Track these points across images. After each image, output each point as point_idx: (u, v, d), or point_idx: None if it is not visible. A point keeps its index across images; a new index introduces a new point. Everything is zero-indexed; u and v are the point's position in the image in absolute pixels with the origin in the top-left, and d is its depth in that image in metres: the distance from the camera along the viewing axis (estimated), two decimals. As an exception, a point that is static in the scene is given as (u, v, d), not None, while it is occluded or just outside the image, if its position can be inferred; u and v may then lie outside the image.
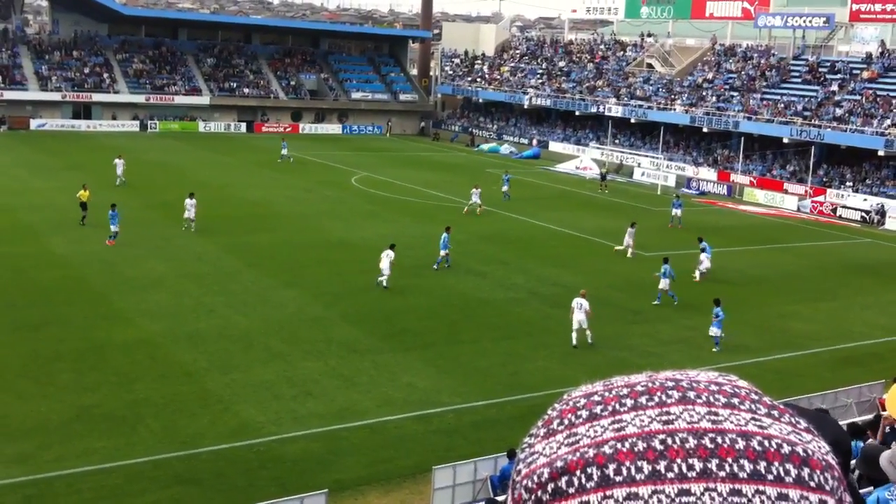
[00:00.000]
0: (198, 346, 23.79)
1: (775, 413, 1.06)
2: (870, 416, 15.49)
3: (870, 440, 11.61)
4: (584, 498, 1.00)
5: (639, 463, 1.00)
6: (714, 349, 25.82)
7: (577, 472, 1.02)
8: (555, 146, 77.81)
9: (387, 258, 30.06)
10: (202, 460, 17.84)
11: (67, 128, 75.94)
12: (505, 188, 50.42)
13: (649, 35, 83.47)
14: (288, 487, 16.62)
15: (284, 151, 61.99)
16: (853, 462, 8.49)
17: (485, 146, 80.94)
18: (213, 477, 17.29)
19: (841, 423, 17.52)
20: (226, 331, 25.18)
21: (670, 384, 1.08)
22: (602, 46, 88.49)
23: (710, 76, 74.13)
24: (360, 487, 17.22)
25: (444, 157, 73.44)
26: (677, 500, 0.97)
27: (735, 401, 1.06)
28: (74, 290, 28.34)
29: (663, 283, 29.89)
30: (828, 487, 1.01)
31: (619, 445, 1.02)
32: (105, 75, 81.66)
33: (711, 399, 1.06)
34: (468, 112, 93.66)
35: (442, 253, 33.48)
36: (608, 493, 0.99)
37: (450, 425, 20.11)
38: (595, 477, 1.00)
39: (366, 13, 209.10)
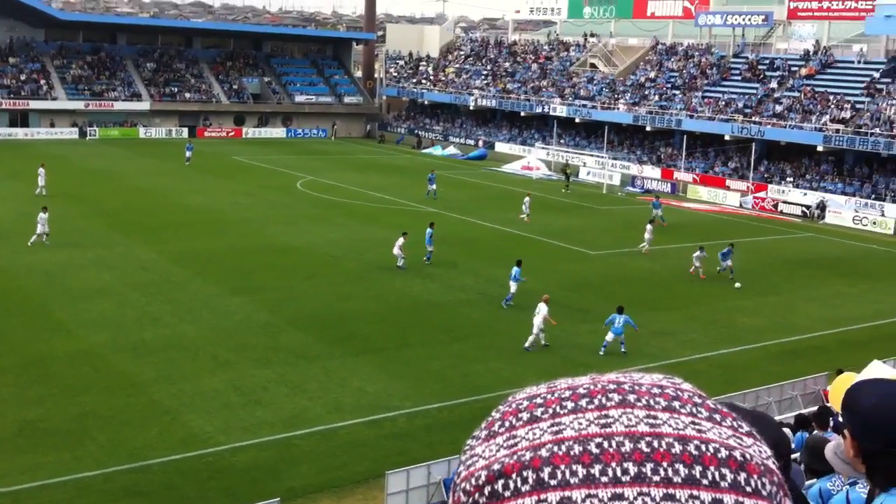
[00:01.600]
0: (143, 357, 23.36)
1: (717, 417, 1.05)
2: (815, 408, 15.74)
3: (815, 432, 11.78)
4: (519, 501, 1.00)
5: (573, 467, 0.99)
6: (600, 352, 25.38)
7: (513, 476, 1.01)
8: (501, 147, 78.10)
9: (397, 246, 33.45)
10: (151, 472, 17.52)
11: (4, 136, 74.13)
12: (432, 187, 50.58)
13: (592, 35, 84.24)
14: (239, 497, 16.42)
15: (189, 153, 61.82)
16: (798, 454, 8.60)
17: (438, 150, 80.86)
18: (162, 489, 17.00)
19: (787, 414, 17.82)
20: (172, 340, 24.76)
21: (612, 387, 1.07)
22: (546, 47, 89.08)
23: (652, 75, 75.04)
24: (313, 495, 17.06)
25: (390, 159, 73.27)
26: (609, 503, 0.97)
27: (676, 404, 1.05)
28: (13, 301, 27.64)
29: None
30: (765, 493, 1.00)
31: (555, 449, 1.01)
32: (42, 82, 79.95)
33: (652, 402, 1.05)
34: (414, 114, 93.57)
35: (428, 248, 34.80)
36: (542, 496, 0.99)
37: (402, 429, 20.01)
38: (530, 480, 1.00)
39: (308, 15, 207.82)
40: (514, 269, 29.53)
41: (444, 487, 16.12)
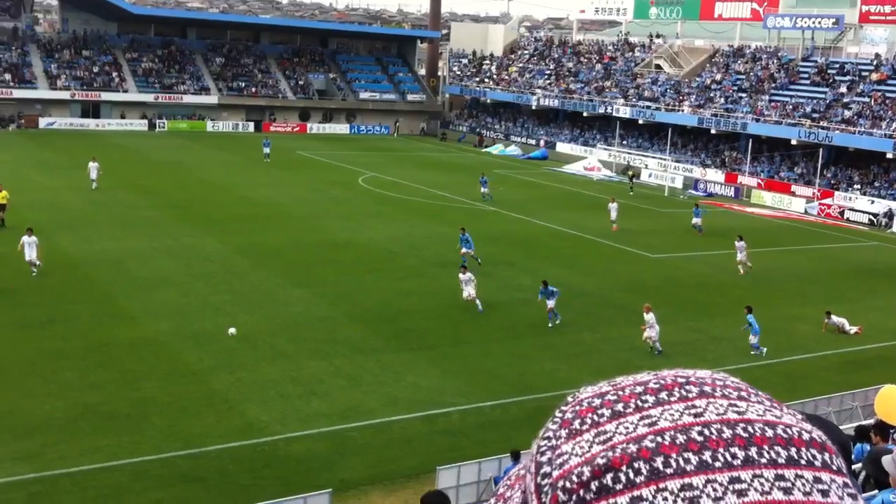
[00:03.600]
0: (204, 346, 23.83)
1: (776, 404, 1.10)
2: (875, 420, 15.42)
3: (876, 443, 11.55)
4: (636, 493, 1.00)
5: (685, 455, 1.01)
6: (753, 353, 25.98)
7: (623, 468, 1.02)
8: (562, 147, 77.74)
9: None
10: (207, 459, 17.86)
11: (76, 126, 76.16)
12: (484, 189, 50.13)
13: (658, 36, 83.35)
14: (292, 487, 16.63)
15: (266, 150, 61.64)
16: (859, 465, 8.46)
17: (495, 149, 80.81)
18: (217, 475, 17.31)
19: (846, 426, 17.47)
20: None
21: (681, 380, 1.10)
22: (610, 47, 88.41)
23: (718, 77, 73.98)
24: (364, 487, 17.23)
25: (451, 157, 73.44)
26: (730, 487, 0.99)
27: (744, 394, 1.09)
28: (80, 288, 28.40)
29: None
30: (845, 471, 1.06)
31: (659, 439, 1.03)
32: (114, 74, 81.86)
33: (726, 393, 1.08)
34: (476, 112, 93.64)
35: (466, 251, 33.75)
36: (661, 485, 1.00)
37: (454, 426, 20.10)
38: (644, 471, 1.01)
39: (374, 13, 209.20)
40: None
41: (494, 485, 16.16)
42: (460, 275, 28.49)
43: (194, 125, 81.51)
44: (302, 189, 50.77)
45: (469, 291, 27.95)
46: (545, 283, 27.49)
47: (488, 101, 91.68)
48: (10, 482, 16.47)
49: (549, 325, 27.14)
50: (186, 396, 20.57)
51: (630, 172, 62.10)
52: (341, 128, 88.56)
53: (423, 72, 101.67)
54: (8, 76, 77.19)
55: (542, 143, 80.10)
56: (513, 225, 43.84)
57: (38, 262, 29.12)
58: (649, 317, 24.99)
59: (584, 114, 79.60)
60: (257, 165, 59.08)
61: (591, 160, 69.57)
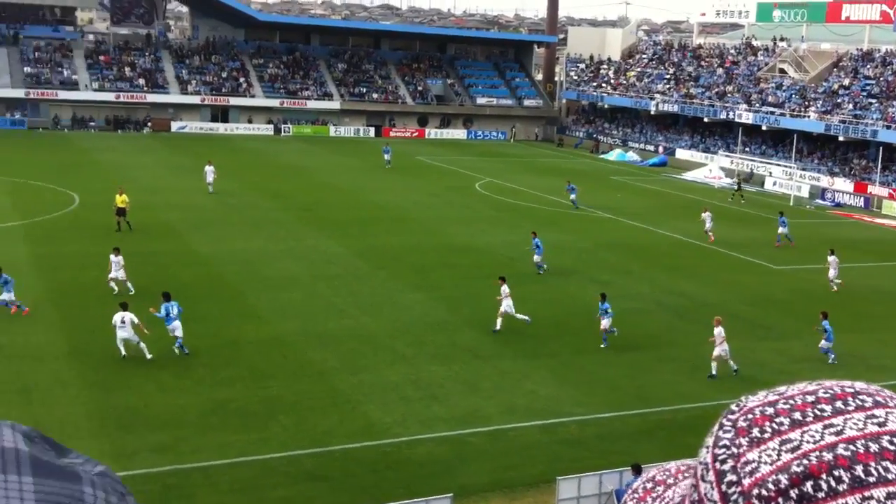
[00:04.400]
0: (328, 346, 24.47)
1: None
2: None
3: None
4: (840, 501, 1.00)
5: (884, 463, 1.01)
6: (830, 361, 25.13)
7: (823, 476, 1.01)
8: (682, 154, 76.32)
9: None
10: (332, 458, 18.35)
11: (206, 130, 79.17)
12: (573, 196, 49.34)
13: (782, 39, 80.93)
14: (413, 490, 16.91)
15: (388, 156, 61.80)
16: None
17: (612, 155, 79.98)
18: (341, 475, 17.76)
19: None
20: (355, 331, 25.82)
21: (850, 390, 1.10)
22: (732, 51, 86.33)
23: (846, 82, 71.29)
24: (485, 494, 17.38)
25: (568, 163, 73.06)
26: None
27: None
28: (213, 287, 29.56)
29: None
30: None
31: (852, 447, 1.03)
32: (241, 80, 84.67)
33: (891, 402, 1.09)
34: (593, 118, 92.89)
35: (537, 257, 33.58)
36: (866, 493, 0.99)
37: (574, 436, 20.07)
38: (846, 479, 1.01)
39: (492, 18, 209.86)
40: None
41: (615, 498, 16.08)
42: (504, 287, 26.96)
43: (318, 130, 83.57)
44: (420, 194, 51.46)
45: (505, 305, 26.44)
46: (603, 297, 26.10)
47: (605, 106, 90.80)
48: (147, 474, 17.24)
49: (602, 346, 25.66)
50: (311, 396, 21.17)
51: (738, 178, 60.24)
52: (458, 133, 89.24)
53: (539, 77, 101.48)
54: (142, 81, 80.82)
55: (660, 149, 78.82)
56: (630, 233, 43.35)
57: (126, 284, 28.00)
58: (719, 331, 23.76)
59: (705, 119, 77.93)
60: (378, 170, 60.16)
61: (711, 167, 68.08)
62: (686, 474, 1.28)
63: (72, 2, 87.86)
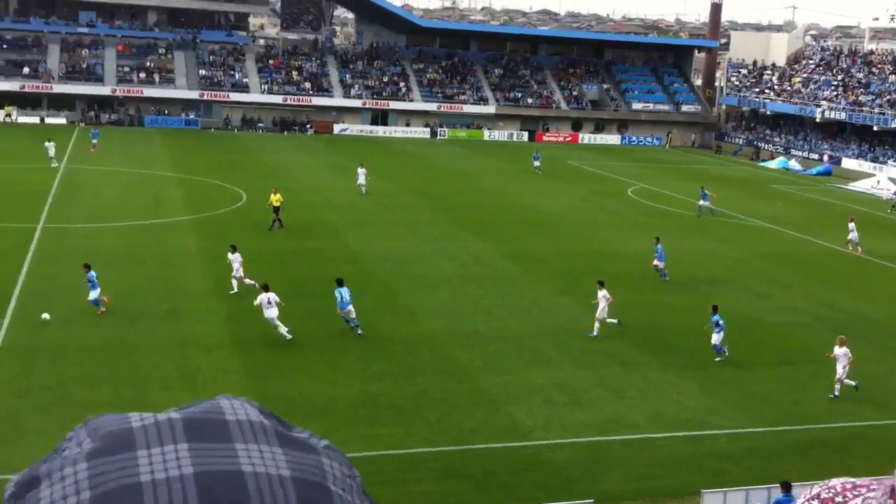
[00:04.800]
0: (475, 346, 24.85)
1: None
2: None
3: None
4: None
5: None
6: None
7: None
8: (848, 163, 72.84)
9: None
10: (473, 456, 18.63)
11: (366, 133, 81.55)
12: (703, 202, 47.56)
13: (967, 44, 75.99)
14: (552, 493, 16.99)
15: (537, 163, 61.24)
16: None
17: (773, 162, 77.17)
18: (482, 473, 18.01)
19: None
20: (502, 333, 26.10)
21: None
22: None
23: None
24: (625, 502, 17.25)
25: (726, 170, 71.06)
26: None
27: None
28: (366, 283, 30.43)
29: None
30: None
31: None
32: (401, 84, 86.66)
33: None
34: (754, 125, 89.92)
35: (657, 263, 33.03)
36: None
37: (721, 449, 19.63)
38: None
39: (651, 23, 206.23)
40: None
41: (762, 514, 15.68)
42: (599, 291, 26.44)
43: (472, 134, 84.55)
44: (572, 199, 51.29)
45: (601, 309, 26.08)
46: (714, 310, 24.93)
47: (768, 112, 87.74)
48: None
49: (718, 358, 24.70)
50: (457, 394, 21.55)
51: None
52: (613, 138, 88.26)
53: (699, 82, 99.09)
54: (308, 85, 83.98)
55: (825, 157, 75.48)
56: (790, 243, 41.82)
57: (245, 281, 28.34)
58: (843, 351, 22.23)
59: (875, 128, 74.12)
60: (530, 174, 60.32)
61: (880, 178, 64.65)
62: (855, 493, 1.25)
63: (245, 8, 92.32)
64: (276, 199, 38.15)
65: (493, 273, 33.02)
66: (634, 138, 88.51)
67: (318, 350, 23.93)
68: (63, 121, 76.40)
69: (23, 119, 75.13)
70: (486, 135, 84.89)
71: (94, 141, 58.50)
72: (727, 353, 24.70)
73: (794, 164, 74.84)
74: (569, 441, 19.50)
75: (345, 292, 24.75)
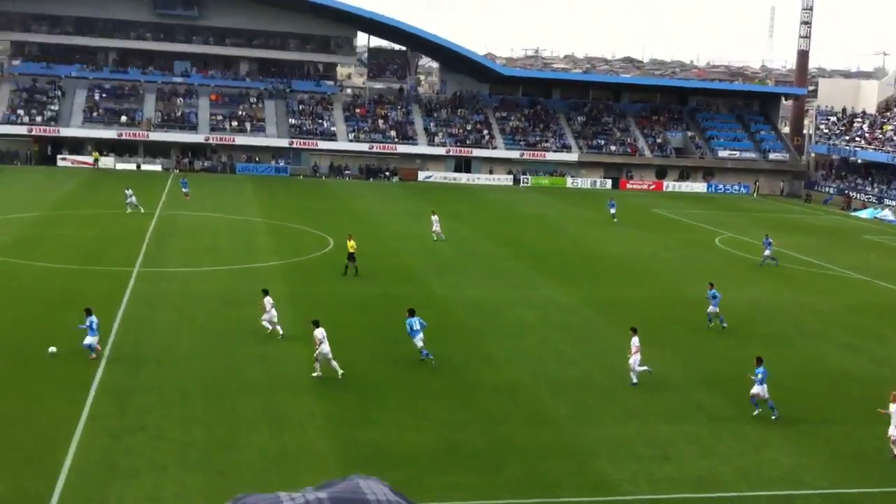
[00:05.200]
0: (559, 395, 24.69)
1: None
2: None
3: None
4: None
5: None
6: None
7: None
8: (947, 213, 70.51)
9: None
10: (560, 509, 18.42)
11: (449, 180, 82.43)
12: (767, 252, 46.25)
13: None
14: (642, 548, 16.69)
15: (612, 210, 61.06)
16: None
17: (865, 212, 75.19)
18: (570, 527, 17.78)
19: None
20: (586, 382, 25.88)
21: None
22: None
23: None
24: (716, 560, 16.84)
25: (816, 220, 69.51)
26: None
27: None
28: (451, 330, 30.63)
29: None
30: None
31: None
32: (485, 132, 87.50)
33: None
34: (844, 173, 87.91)
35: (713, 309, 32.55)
36: None
37: (815, 509, 19.03)
38: None
39: (736, 69, 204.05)
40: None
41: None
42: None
43: (555, 181, 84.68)
44: (656, 247, 50.81)
45: (634, 360, 25.91)
46: (759, 361, 24.12)
47: (859, 161, 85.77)
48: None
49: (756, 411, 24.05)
50: (542, 444, 21.39)
51: None
52: (698, 186, 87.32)
53: (786, 130, 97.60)
54: (393, 132, 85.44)
55: (922, 207, 73.25)
56: (884, 296, 40.60)
57: (277, 327, 28.73)
58: (894, 408, 21.33)
59: (976, 177, 71.69)
60: (611, 222, 60.02)
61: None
62: None
63: (334, 59, 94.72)
64: (350, 245, 38.80)
65: (578, 321, 32.85)
66: (720, 186, 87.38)
67: (402, 396, 24.06)
68: (158, 167, 79.19)
69: (120, 166, 78.07)
70: (569, 182, 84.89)
71: (185, 189, 60.01)
72: (777, 415, 23.84)
73: (887, 215, 72.81)
74: (658, 497, 19.12)
75: (415, 322, 26.28)
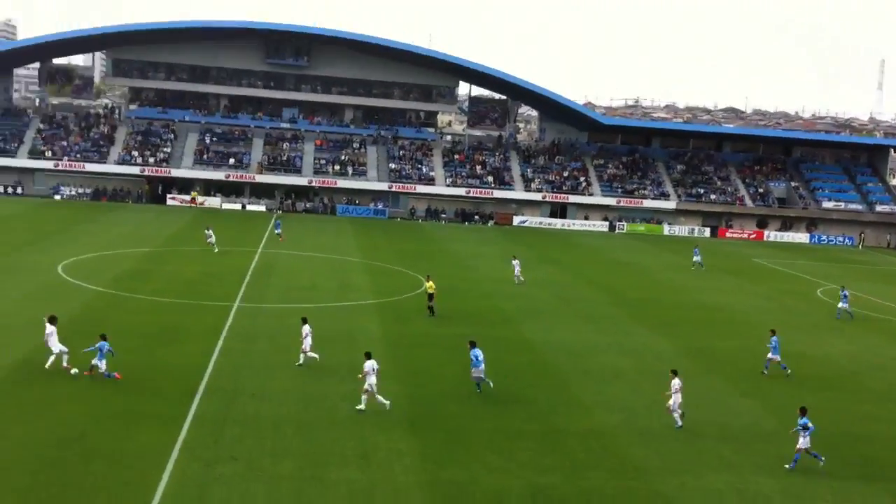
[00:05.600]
0: (650, 444, 24.24)
1: None
2: None
3: None
4: None
5: None
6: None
7: None
8: None
9: None
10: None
11: (545, 225, 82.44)
12: (843, 304, 44.40)
13: None
14: None
15: (697, 258, 59.92)
16: None
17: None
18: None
19: None
20: (678, 432, 25.35)
21: None
22: None
23: None
24: None
25: (927, 274, 66.71)
26: None
27: None
28: (540, 374, 30.49)
29: None
30: None
31: None
32: (581, 179, 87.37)
33: None
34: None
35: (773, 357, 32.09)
36: None
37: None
38: None
39: (843, 121, 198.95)
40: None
41: None
42: None
43: (651, 228, 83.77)
44: (755, 297, 49.64)
45: (674, 400, 25.84)
46: (803, 412, 23.67)
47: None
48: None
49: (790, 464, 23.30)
50: (630, 493, 20.99)
51: None
52: (801, 237, 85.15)
53: (895, 182, 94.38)
54: (490, 178, 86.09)
55: None
56: None
57: (309, 354, 29.48)
58: None
59: None
60: (711, 270, 58.91)
61: None
62: None
63: (435, 107, 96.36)
64: (429, 286, 39.24)
65: (671, 369, 32.17)
66: (824, 237, 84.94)
67: (489, 437, 23.98)
68: (262, 208, 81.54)
69: (226, 206, 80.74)
70: (666, 229, 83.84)
71: (278, 231, 61.23)
72: (822, 462, 23.10)
73: None
74: (749, 550, 18.56)
75: (479, 353, 27.33)
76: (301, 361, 29.51)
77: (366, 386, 25.41)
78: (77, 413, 23.41)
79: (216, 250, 53.33)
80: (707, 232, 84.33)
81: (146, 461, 20.54)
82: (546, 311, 41.43)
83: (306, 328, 29.60)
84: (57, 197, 79.47)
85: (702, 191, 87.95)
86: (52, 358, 26.92)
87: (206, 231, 55.09)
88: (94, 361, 26.49)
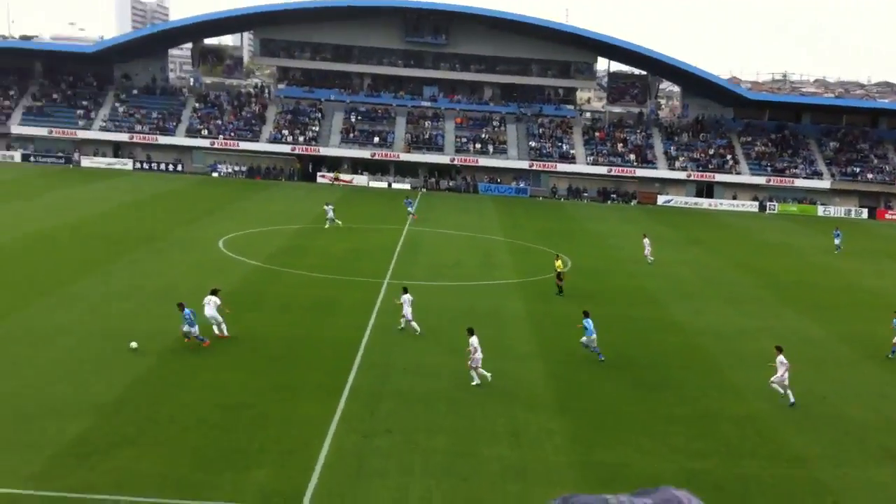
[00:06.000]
0: (807, 432, 23.53)
1: None
2: None
3: None
4: None
5: None
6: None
7: None
8: None
9: None
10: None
11: (690, 205, 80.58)
12: (837, 241, 41.16)
13: None
14: None
15: (838, 241, 56.75)
16: None
17: None
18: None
19: None
20: (837, 421, 24.51)
21: None
22: None
23: None
24: None
25: None
26: None
27: None
28: (691, 357, 29.99)
29: None
30: None
31: None
32: (728, 157, 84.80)
33: None
34: None
35: None
36: None
37: None
38: None
39: None
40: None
41: None
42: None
43: (804, 209, 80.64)
44: (918, 282, 47.17)
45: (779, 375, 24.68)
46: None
47: None
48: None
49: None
50: (790, 482, 20.46)
51: None
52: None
53: None
54: (632, 156, 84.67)
55: None
56: None
57: (412, 324, 30.65)
58: None
59: None
60: (868, 253, 56.29)
61: None
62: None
63: (574, 83, 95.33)
64: (558, 265, 39.36)
65: (827, 356, 31.13)
66: None
67: (641, 420, 23.79)
68: (407, 186, 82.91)
69: (373, 184, 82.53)
70: (820, 210, 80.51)
71: (410, 209, 61.58)
72: None
73: None
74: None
75: (589, 323, 28.29)
76: (402, 325, 30.65)
77: (469, 361, 25.59)
78: (237, 382, 24.57)
79: (336, 224, 53.34)
80: (865, 213, 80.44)
81: (307, 430, 21.39)
82: (693, 293, 40.63)
83: (406, 297, 30.62)
84: (214, 174, 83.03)
85: (857, 169, 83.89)
86: (215, 327, 28.35)
87: (325, 206, 56.04)
88: (185, 328, 27.40)
